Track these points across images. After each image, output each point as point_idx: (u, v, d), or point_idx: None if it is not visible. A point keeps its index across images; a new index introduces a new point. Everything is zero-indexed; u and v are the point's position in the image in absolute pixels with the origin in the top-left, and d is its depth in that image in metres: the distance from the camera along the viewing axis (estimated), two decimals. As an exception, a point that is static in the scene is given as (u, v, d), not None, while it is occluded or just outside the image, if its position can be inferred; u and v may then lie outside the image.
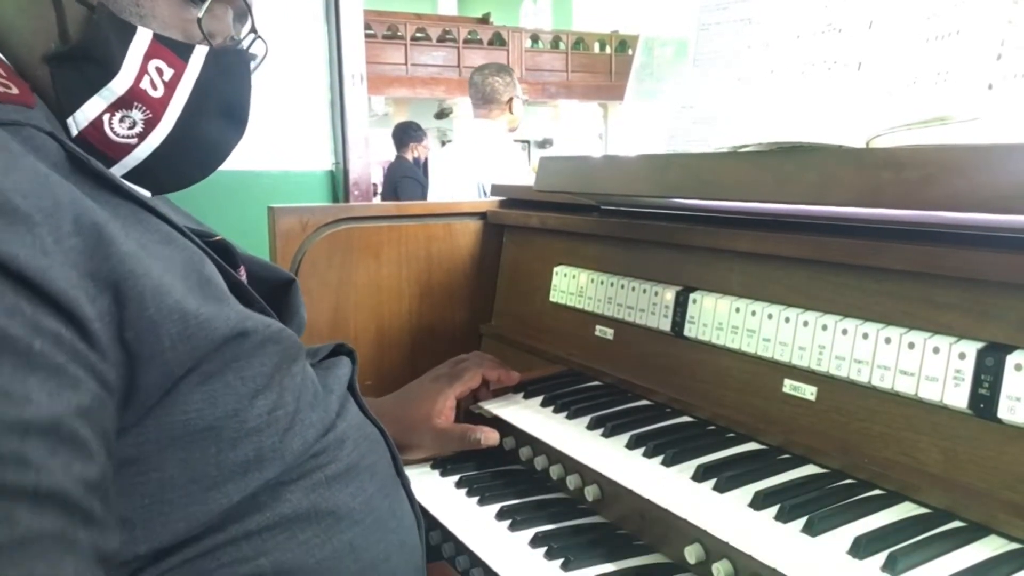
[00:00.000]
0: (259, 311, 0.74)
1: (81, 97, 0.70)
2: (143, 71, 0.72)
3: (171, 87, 0.74)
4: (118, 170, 0.74)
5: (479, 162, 3.25)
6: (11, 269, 0.51)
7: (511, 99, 3.38)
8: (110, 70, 0.70)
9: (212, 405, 0.64)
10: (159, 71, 0.73)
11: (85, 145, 0.70)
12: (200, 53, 0.75)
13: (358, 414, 0.85)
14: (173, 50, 0.74)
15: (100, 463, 0.54)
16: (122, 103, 0.72)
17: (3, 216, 0.53)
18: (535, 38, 13.86)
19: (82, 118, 0.71)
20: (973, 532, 0.71)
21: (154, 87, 0.73)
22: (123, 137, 0.73)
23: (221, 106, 0.79)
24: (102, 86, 0.70)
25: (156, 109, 0.73)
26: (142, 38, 0.72)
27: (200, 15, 0.75)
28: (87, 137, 0.71)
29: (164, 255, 0.65)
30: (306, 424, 0.73)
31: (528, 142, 14.55)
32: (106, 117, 0.71)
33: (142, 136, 0.73)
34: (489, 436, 1.10)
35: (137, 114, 0.73)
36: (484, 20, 14.37)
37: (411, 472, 0.90)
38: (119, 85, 0.71)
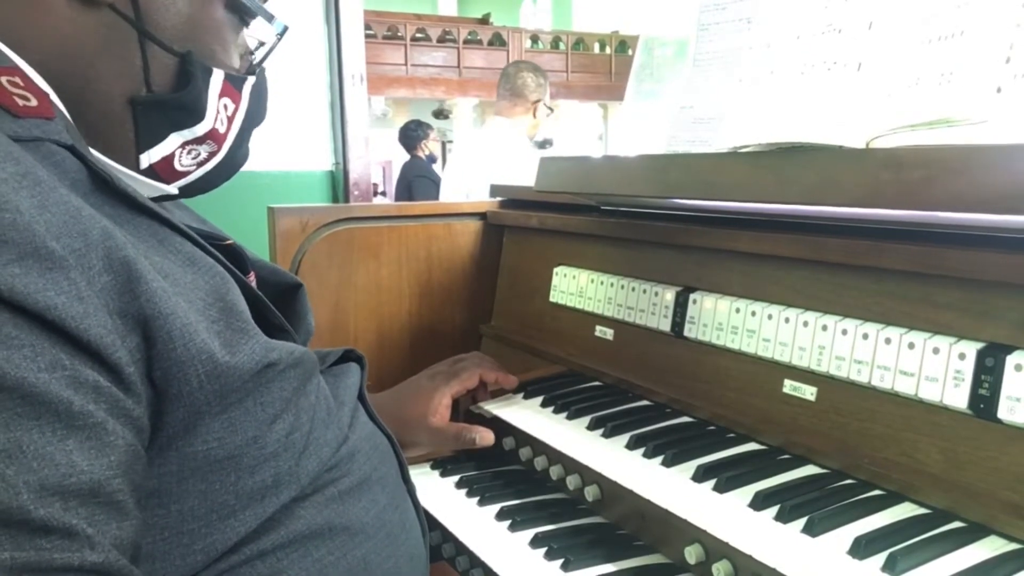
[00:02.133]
0: (278, 327, 0.73)
1: (161, 136, 0.72)
2: (216, 111, 0.75)
3: (232, 120, 0.77)
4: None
5: (494, 166, 3.05)
6: (49, 319, 0.51)
7: (538, 101, 3.24)
8: (198, 117, 0.73)
9: (232, 433, 0.63)
10: (225, 107, 0.76)
11: (150, 172, 0.72)
12: (249, 83, 0.78)
13: (368, 423, 0.84)
14: (234, 85, 0.76)
15: (134, 519, 0.54)
16: (196, 140, 0.74)
17: (39, 261, 0.52)
18: (535, 38, 13.86)
19: (157, 154, 0.72)
20: (973, 532, 0.71)
21: (221, 123, 0.76)
22: (186, 166, 0.75)
23: (254, 126, 0.82)
24: (185, 128, 0.73)
25: (220, 142, 0.76)
26: (217, 80, 0.74)
27: (251, 48, 0.79)
28: (154, 168, 0.73)
29: (188, 282, 0.64)
30: (320, 443, 0.72)
31: (528, 142, 14.52)
32: (178, 151, 0.74)
33: (201, 164, 0.76)
34: (484, 436, 1.10)
35: (204, 148, 0.75)
36: (484, 21, 14.37)
37: (411, 472, 0.89)
38: (201, 128, 0.74)
